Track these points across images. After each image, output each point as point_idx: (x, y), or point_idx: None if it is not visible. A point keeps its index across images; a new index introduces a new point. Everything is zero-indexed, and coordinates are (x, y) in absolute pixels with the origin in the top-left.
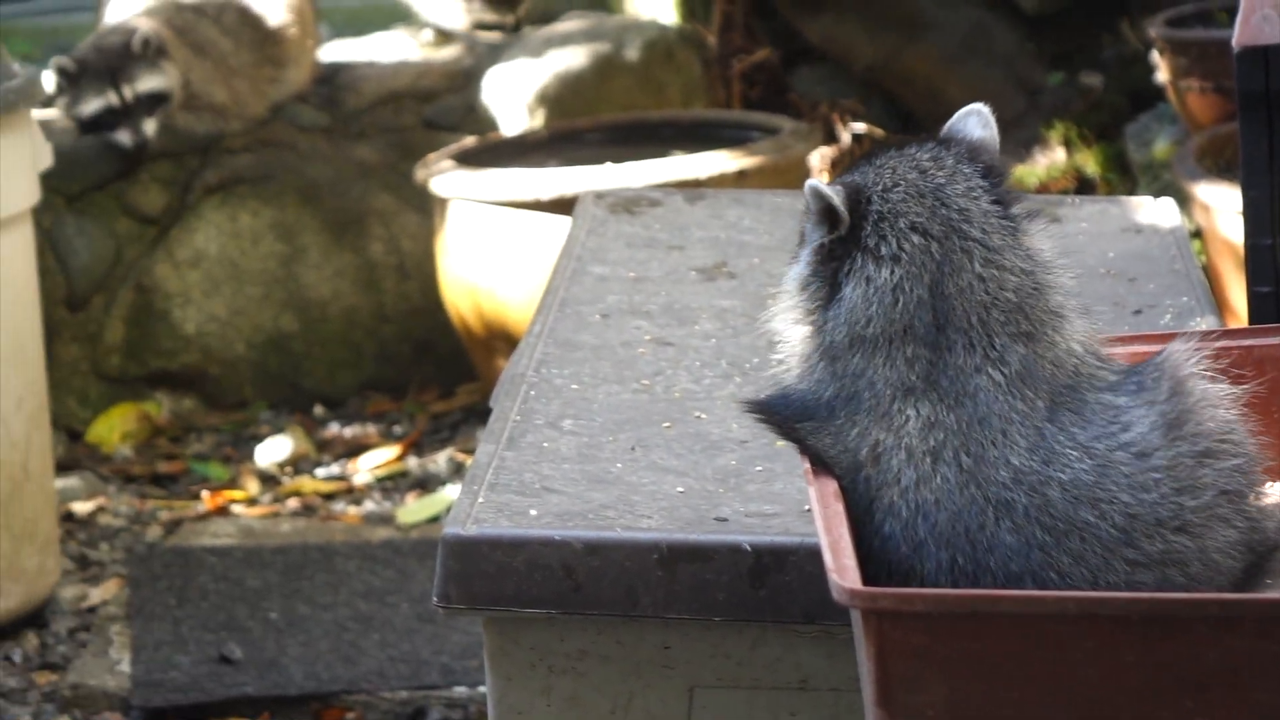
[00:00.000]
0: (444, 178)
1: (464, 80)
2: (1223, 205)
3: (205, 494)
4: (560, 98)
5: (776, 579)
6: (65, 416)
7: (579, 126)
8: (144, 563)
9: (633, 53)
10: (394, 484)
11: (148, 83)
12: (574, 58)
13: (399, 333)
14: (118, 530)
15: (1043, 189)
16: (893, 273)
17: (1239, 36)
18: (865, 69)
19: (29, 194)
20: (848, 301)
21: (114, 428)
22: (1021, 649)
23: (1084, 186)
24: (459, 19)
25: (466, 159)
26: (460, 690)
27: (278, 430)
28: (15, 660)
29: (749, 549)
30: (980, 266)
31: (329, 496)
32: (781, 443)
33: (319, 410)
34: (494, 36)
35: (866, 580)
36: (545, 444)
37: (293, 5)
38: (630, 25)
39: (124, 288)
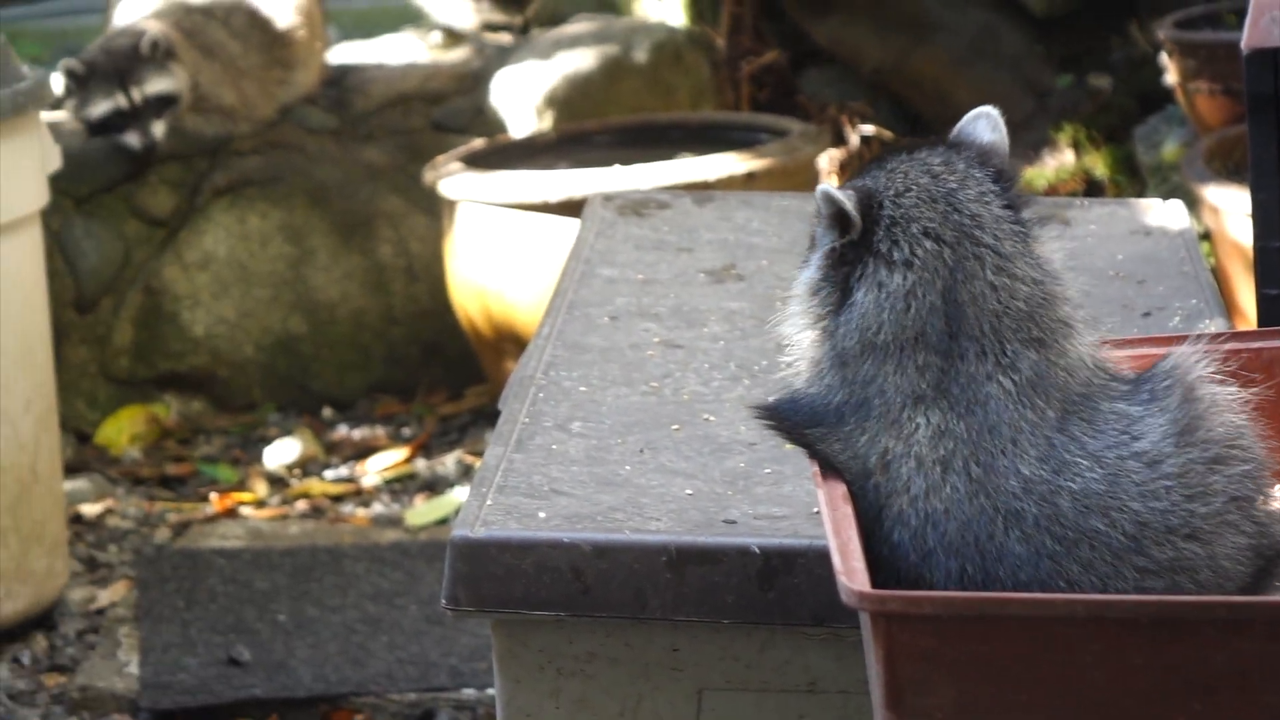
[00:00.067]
0: (452, 180)
1: (472, 82)
2: (1231, 207)
3: (214, 496)
4: (569, 100)
5: (785, 581)
6: (74, 418)
7: (587, 129)
8: (152, 565)
9: (641, 55)
10: (402, 486)
11: (156, 85)
12: (582, 60)
13: (408, 335)
14: (126, 532)
15: (1051, 191)
16: (905, 278)
17: (1248, 39)
18: (873, 71)
19: (38, 196)
20: (859, 307)
21: (122, 430)
22: (1030, 652)
23: (1092, 189)
24: (468, 19)
25: (475, 161)
26: (469, 692)
27: (286, 432)
28: (24, 662)
29: (758, 551)
30: (992, 274)
31: (337, 498)
32: (790, 446)
33: (327, 412)
34: (502, 37)
35: (875, 586)
36: (554, 446)
37: (301, 8)
38: (639, 27)
39: (133, 290)
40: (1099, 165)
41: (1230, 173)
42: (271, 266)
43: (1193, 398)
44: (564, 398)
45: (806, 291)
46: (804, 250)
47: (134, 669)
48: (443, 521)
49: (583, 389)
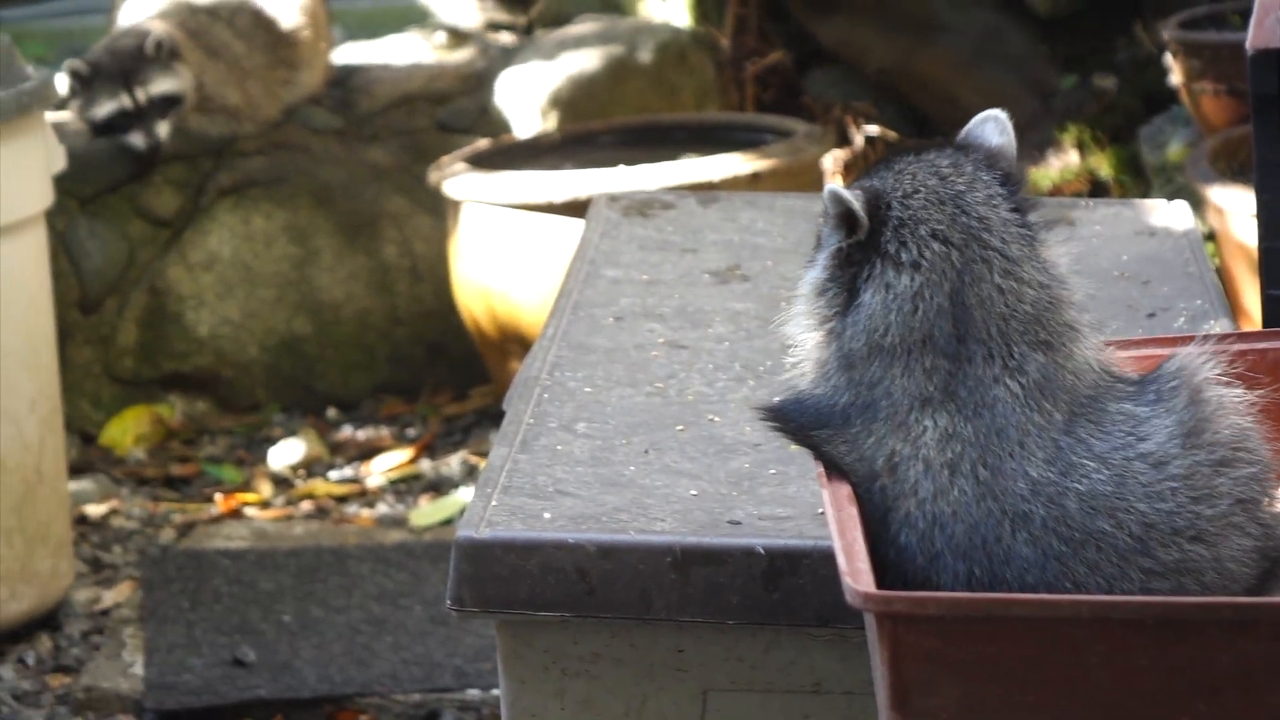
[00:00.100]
0: (457, 180)
1: (477, 83)
2: (1236, 208)
3: (218, 496)
4: (573, 100)
5: (790, 582)
6: (78, 419)
7: (592, 129)
8: (157, 565)
9: (646, 55)
10: (407, 486)
11: (161, 85)
12: (587, 60)
13: (412, 335)
14: (131, 533)
15: (1056, 192)
16: (913, 280)
17: (1253, 39)
18: (878, 72)
19: (42, 197)
20: (867, 308)
21: (127, 430)
22: (1035, 653)
23: (1097, 189)
24: (473, 18)
25: (480, 161)
26: (473, 693)
27: (291, 433)
28: (29, 663)
29: (762, 552)
30: (1000, 277)
31: (342, 499)
32: (795, 447)
33: (332, 413)
34: (507, 37)
35: (881, 588)
36: (559, 447)
37: (306, 8)
38: (643, 28)
39: (137, 290)
40: (1104, 166)
41: (1235, 173)
42: (276, 267)
43: (1200, 400)
44: (569, 398)
45: (812, 292)
46: (809, 250)
47: (139, 670)
48: (447, 522)
49: (587, 390)
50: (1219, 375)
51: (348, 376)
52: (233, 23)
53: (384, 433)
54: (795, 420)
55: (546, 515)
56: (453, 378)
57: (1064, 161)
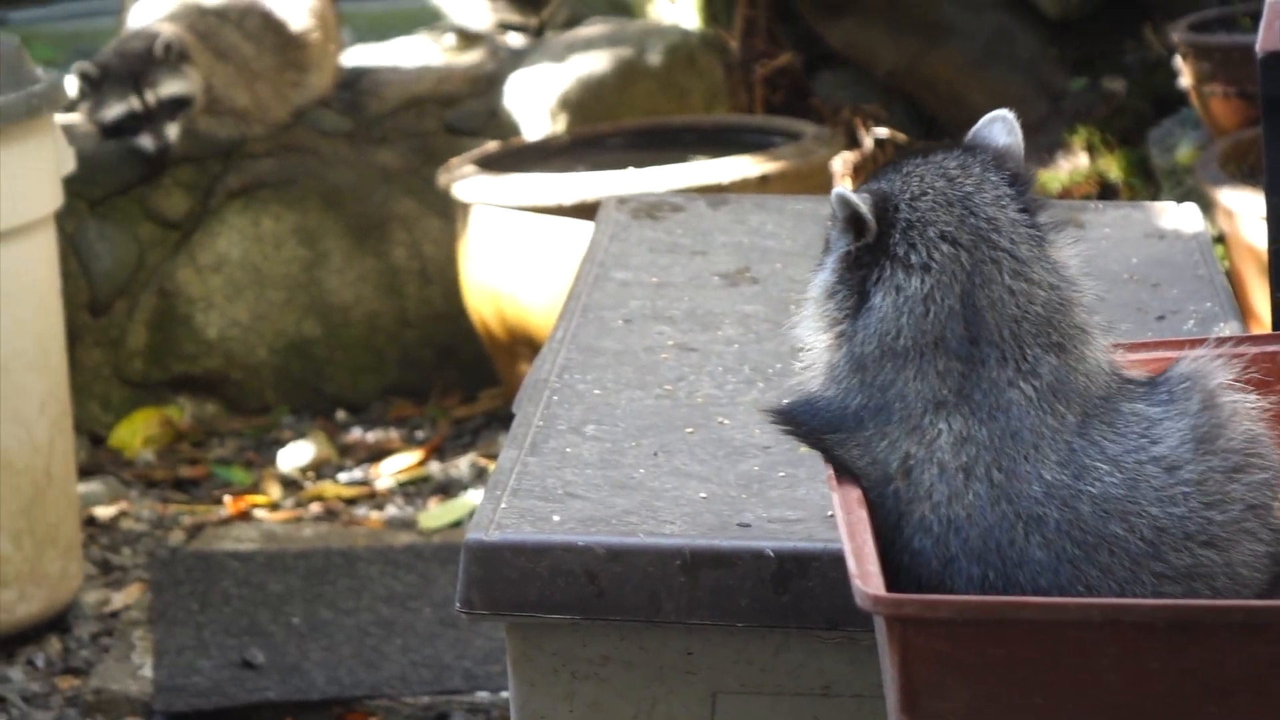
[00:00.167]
0: (466, 183)
1: (486, 85)
2: (1246, 210)
3: (227, 499)
4: (582, 102)
5: (799, 585)
6: (88, 421)
7: (601, 131)
8: (166, 567)
9: (655, 58)
10: (416, 489)
11: (170, 87)
12: (596, 62)
13: (421, 338)
14: (140, 535)
15: (1065, 194)
16: (923, 282)
17: (1263, 42)
18: (887, 74)
19: (52, 199)
20: (877, 311)
21: (136, 432)
22: (1045, 656)
23: (1107, 192)
24: (484, 19)
25: (489, 164)
26: (482, 695)
27: (300, 435)
28: (38, 665)
29: (772, 555)
30: (1010, 278)
31: (351, 501)
32: (805, 449)
33: (341, 415)
34: (518, 39)
35: (893, 592)
36: (568, 449)
37: (315, 10)
38: (652, 30)
39: (146, 292)
40: (1113, 168)
41: (1245, 176)
42: (285, 269)
43: (1213, 405)
44: (578, 401)
45: (822, 294)
46: (818, 254)
47: (148, 672)
48: (456, 524)
49: (597, 392)
50: (1232, 379)
51: (357, 379)
52: (242, 25)
53: (393, 435)
54: (806, 423)
55: (556, 518)
56: (462, 380)
57: (1073, 164)
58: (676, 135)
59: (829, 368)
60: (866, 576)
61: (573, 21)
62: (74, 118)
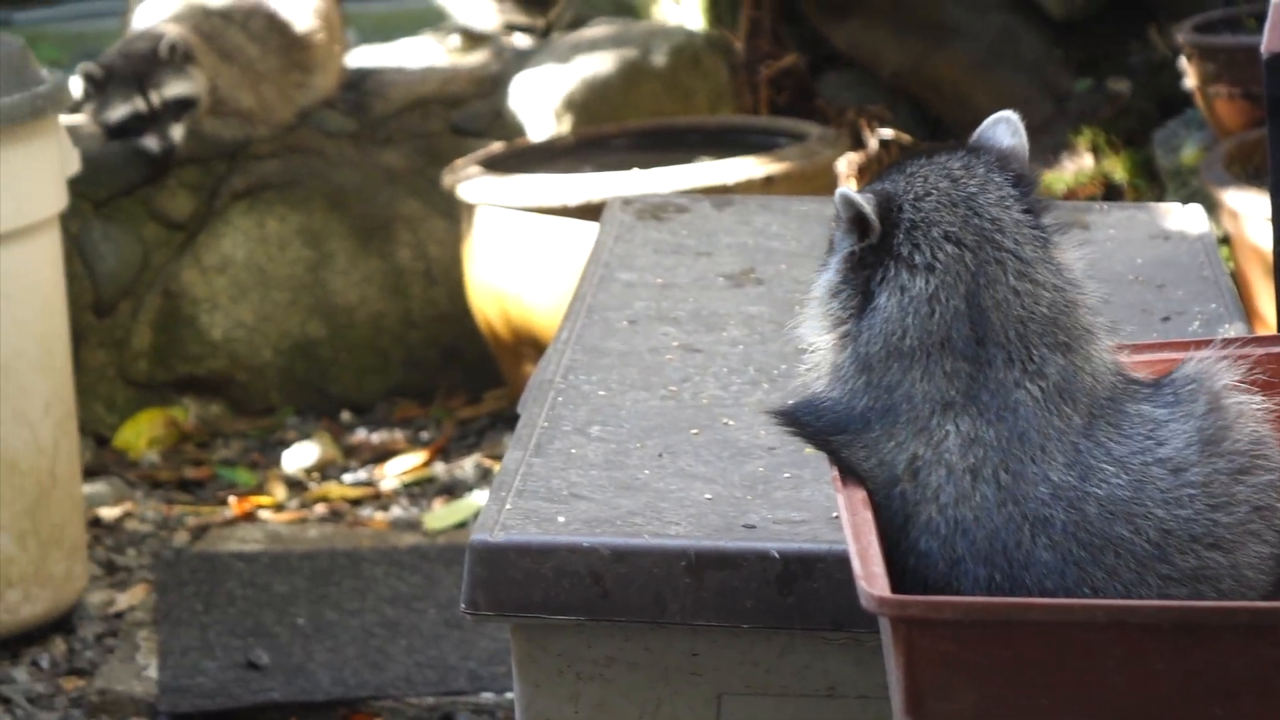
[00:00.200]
0: (471, 183)
1: (491, 86)
2: (1251, 211)
3: (232, 499)
4: (587, 103)
5: (805, 586)
6: (92, 422)
7: (606, 132)
8: (171, 568)
9: (660, 59)
10: (421, 490)
11: (175, 88)
12: (601, 63)
13: (426, 338)
14: (145, 536)
15: (1070, 195)
16: (928, 282)
17: (1268, 43)
18: (892, 75)
19: (56, 200)
20: (882, 311)
21: (141, 433)
22: (1051, 657)
23: (1112, 193)
24: (491, 20)
25: (494, 165)
26: (487, 696)
27: (305, 436)
28: (43, 666)
29: (777, 556)
30: (1014, 279)
31: (356, 502)
32: (810, 450)
33: (346, 416)
34: (525, 40)
35: (898, 593)
36: (573, 450)
37: (320, 11)
38: (657, 31)
39: (151, 293)
40: (1118, 169)
41: (1250, 177)
42: (290, 270)
43: (1219, 406)
44: (583, 402)
45: (826, 295)
46: (822, 255)
47: (152, 672)
48: (461, 525)
49: (602, 393)
50: (1237, 381)
51: (362, 380)
52: (247, 26)
53: (398, 436)
54: (811, 424)
55: (561, 519)
56: (467, 381)
57: (1078, 165)
58: (681, 136)
59: (834, 368)
60: (871, 578)
61: (578, 23)
62: (79, 119)
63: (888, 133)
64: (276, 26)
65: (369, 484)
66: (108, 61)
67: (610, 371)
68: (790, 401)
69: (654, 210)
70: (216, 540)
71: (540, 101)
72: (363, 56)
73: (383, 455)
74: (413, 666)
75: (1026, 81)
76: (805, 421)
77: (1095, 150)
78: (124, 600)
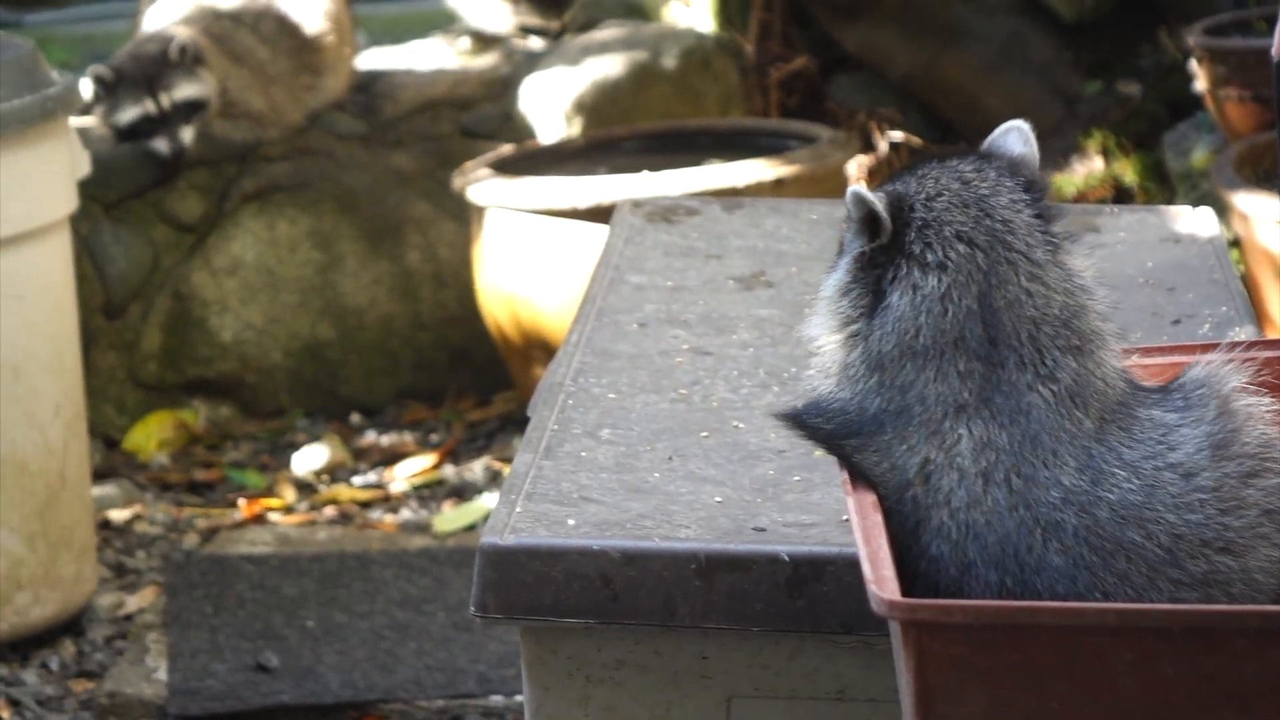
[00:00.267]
0: (481, 186)
1: (501, 88)
2: (1261, 214)
3: (242, 502)
4: (597, 106)
5: (814, 589)
6: (102, 424)
7: (616, 135)
8: (181, 570)
9: (670, 61)
10: (430, 492)
11: (185, 90)
12: (611, 66)
13: (436, 341)
14: (154, 538)
15: (1081, 198)
16: (940, 281)
17: (1278, 46)
18: (902, 78)
19: (67, 202)
20: (895, 310)
21: (151, 435)
22: (1062, 661)
23: (1122, 195)
24: (504, 22)
25: (504, 167)
26: (497, 699)
27: (314, 438)
28: (52, 668)
29: (787, 559)
30: (1026, 280)
31: (366, 504)
32: (820, 453)
33: (356, 418)
34: (538, 42)
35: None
36: (583, 453)
37: (330, 13)
38: (667, 34)
39: (161, 295)
40: (1128, 172)
41: (1260, 179)
42: (300, 272)
43: (1229, 411)
44: (593, 405)
45: (835, 294)
46: (833, 257)
47: (162, 675)
48: (470, 528)
49: (612, 396)
50: (1246, 384)
51: (371, 382)
52: (257, 28)
53: (407, 438)
54: (820, 426)
55: (571, 522)
56: (476, 383)
57: (1088, 168)
58: (691, 139)
59: (843, 367)
60: (882, 581)
61: (588, 25)
62: (89, 121)
63: (898, 135)
64: (287, 29)
65: (378, 486)
66: (118, 64)
67: (620, 374)
68: (799, 403)
69: (664, 213)
70: (226, 543)
71: (550, 104)
72: (373, 59)
73: (392, 458)
74: (422, 669)
75: (1036, 84)
76: (814, 424)
77: (1105, 153)
78: (133, 603)
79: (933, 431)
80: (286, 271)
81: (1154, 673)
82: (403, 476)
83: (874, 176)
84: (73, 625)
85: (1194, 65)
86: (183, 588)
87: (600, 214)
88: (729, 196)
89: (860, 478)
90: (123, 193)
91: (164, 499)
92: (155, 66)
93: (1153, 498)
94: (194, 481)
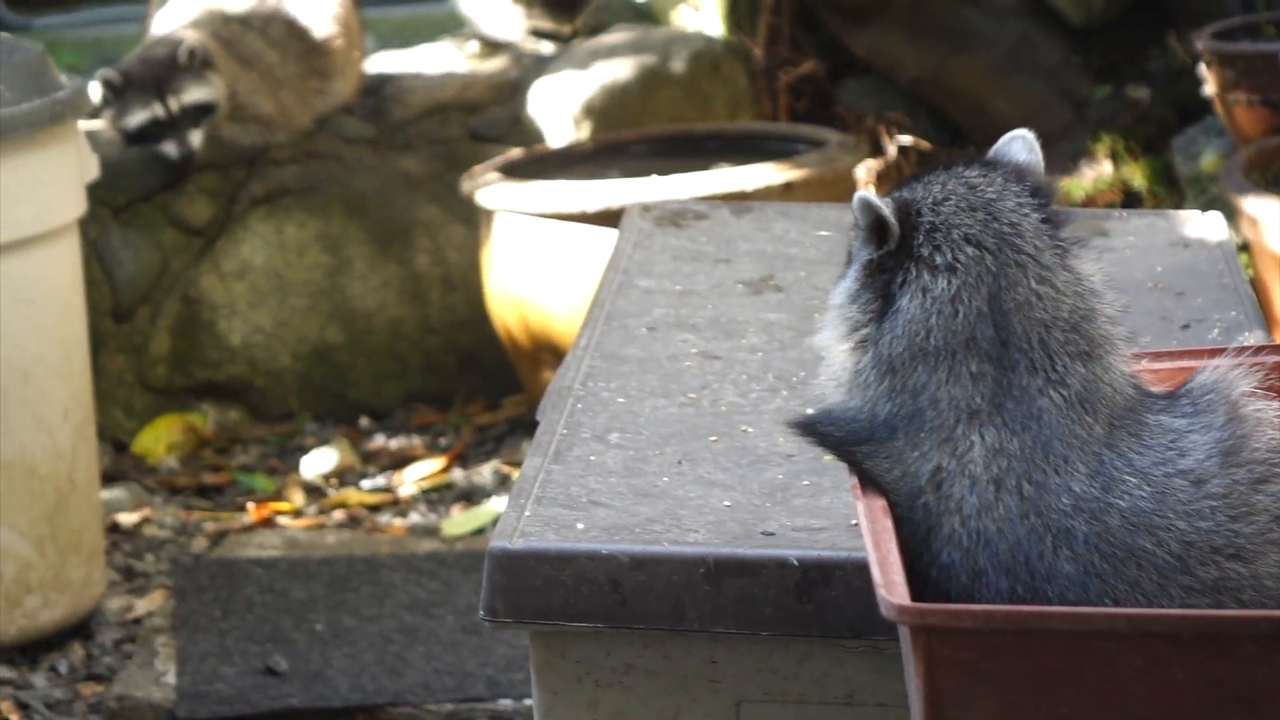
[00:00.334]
0: (490, 189)
1: (510, 92)
2: (1270, 219)
3: (250, 505)
4: (606, 110)
5: (824, 594)
6: (111, 428)
7: (625, 138)
8: (189, 574)
9: (679, 65)
10: (439, 496)
11: (194, 94)
12: (620, 70)
13: (445, 344)
14: (163, 542)
15: (1089, 202)
16: (950, 283)
17: None
18: (911, 81)
19: (75, 205)
20: (905, 313)
21: (160, 439)
22: (1072, 666)
23: (1131, 200)
24: (516, 26)
25: (512, 171)
26: (505, 703)
27: (323, 442)
28: (61, 671)
29: (796, 563)
30: (1035, 283)
31: (374, 508)
32: (830, 457)
33: (364, 422)
34: (549, 45)
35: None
36: (592, 457)
37: (339, 17)
38: (676, 37)
39: (170, 299)
40: (1137, 176)
41: (1269, 184)
42: (308, 276)
43: (1238, 416)
44: (602, 409)
45: (845, 300)
46: (841, 265)
47: (171, 678)
48: (479, 531)
49: (620, 400)
50: (1255, 389)
51: (380, 385)
52: (266, 32)
53: (416, 442)
54: (832, 435)
55: (580, 526)
56: (485, 387)
57: (1097, 172)
58: (700, 143)
59: (854, 374)
60: (891, 586)
61: (597, 29)
62: (98, 125)
63: (907, 139)
64: (295, 32)
65: (387, 490)
66: (126, 67)
67: (629, 378)
68: (810, 411)
69: (673, 217)
70: (235, 546)
71: (559, 107)
72: (381, 62)
73: (401, 461)
74: (431, 673)
75: (1045, 88)
76: (824, 431)
77: (1114, 157)
78: (142, 606)
79: (945, 438)
80: (295, 275)
81: (1164, 678)
82: (411, 480)
83: (883, 180)
84: (81, 629)
85: (1203, 69)
86: (191, 591)
87: (609, 218)
88: (738, 200)
89: (871, 483)
90: (131, 196)
91: (173, 502)
92: (164, 70)
93: (1163, 504)
94: (203, 485)
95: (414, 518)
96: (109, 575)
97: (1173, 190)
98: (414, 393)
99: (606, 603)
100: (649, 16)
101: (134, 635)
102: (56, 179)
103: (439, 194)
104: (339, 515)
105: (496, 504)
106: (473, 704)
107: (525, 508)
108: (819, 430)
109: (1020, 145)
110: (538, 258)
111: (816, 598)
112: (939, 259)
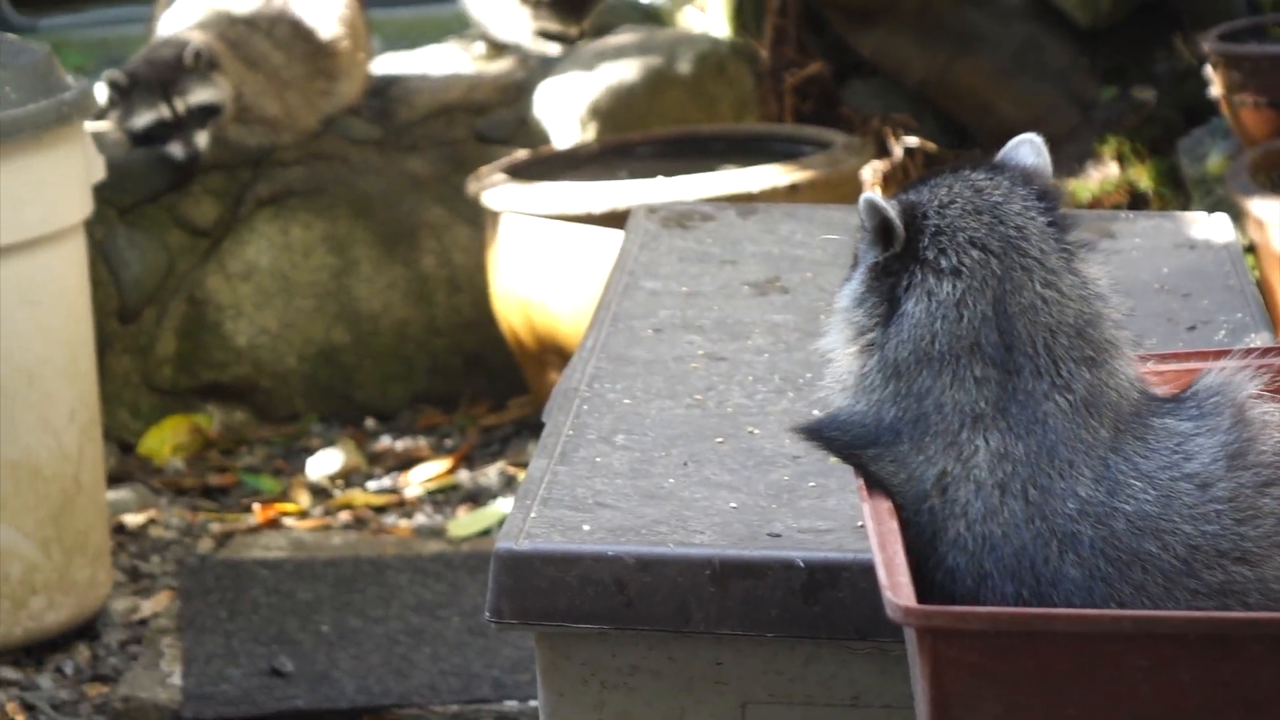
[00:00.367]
0: (496, 191)
1: (516, 93)
2: (1276, 220)
3: (256, 507)
4: (612, 111)
5: (830, 595)
6: (117, 429)
7: (630, 140)
8: (195, 575)
9: (685, 66)
10: (445, 497)
11: (200, 95)
12: (626, 71)
13: (450, 346)
14: (169, 543)
15: (1096, 204)
16: (955, 287)
17: None
18: (917, 83)
19: (82, 206)
20: (910, 317)
21: (165, 440)
22: (1078, 668)
23: (1137, 201)
24: (523, 27)
25: (518, 172)
26: (511, 704)
27: (329, 443)
28: (67, 672)
29: (802, 565)
30: (1041, 287)
31: (380, 509)
32: (835, 460)
33: (370, 423)
34: (557, 47)
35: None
36: (598, 459)
37: (345, 18)
38: (682, 39)
39: (176, 300)
40: (1143, 178)
41: (1275, 185)
42: (314, 277)
43: (1244, 419)
44: (608, 410)
45: (850, 304)
46: (846, 267)
47: (176, 679)
48: (485, 533)
49: (626, 401)
50: (1261, 391)
51: (386, 387)
52: (272, 33)
53: (422, 443)
54: (837, 439)
55: (585, 527)
56: (491, 388)
57: (1103, 173)
58: (706, 144)
59: (859, 377)
60: (897, 588)
61: (603, 30)
62: (104, 125)
63: (913, 141)
64: (301, 34)
65: (393, 491)
66: (133, 68)
67: (635, 380)
68: (816, 415)
69: (679, 218)
70: (241, 547)
71: (565, 109)
72: (387, 63)
73: (407, 462)
74: (437, 674)
75: (1051, 90)
76: (830, 436)
77: (1120, 158)
78: (148, 607)
79: (950, 442)
80: (301, 276)
81: (1169, 679)
82: (417, 481)
83: (889, 182)
84: (87, 630)
85: (1209, 71)
86: (197, 592)
87: (615, 219)
88: (744, 202)
89: (877, 486)
90: (137, 197)
91: (179, 504)
92: (170, 71)
93: (1169, 508)
94: (208, 486)
95: (420, 519)
96: (114, 576)
97: (1179, 192)
98: (420, 394)
99: (612, 604)
100: (655, 18)
101: (139, 636)
102: (62, 180)
103: (445, 195)
104: (345, 516)
105: (502, 505)
106: (478, 705)
107: (531, 509)
108: (825, 435)
109: (1029, 149)
110: (544, 259)
111: (822, 599)
112: (944, 262)
